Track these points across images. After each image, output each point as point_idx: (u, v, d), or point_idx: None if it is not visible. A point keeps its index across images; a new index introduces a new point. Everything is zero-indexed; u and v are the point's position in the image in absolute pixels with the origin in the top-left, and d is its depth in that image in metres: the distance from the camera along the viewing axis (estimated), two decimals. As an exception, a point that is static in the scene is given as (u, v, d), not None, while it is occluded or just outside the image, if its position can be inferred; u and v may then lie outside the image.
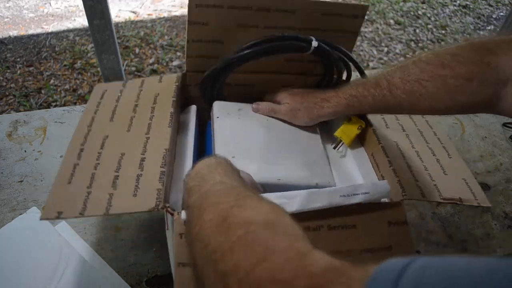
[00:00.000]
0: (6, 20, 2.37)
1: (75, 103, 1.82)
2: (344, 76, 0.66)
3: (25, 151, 0.72)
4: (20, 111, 1.51)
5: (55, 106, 1.79)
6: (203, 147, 0.62)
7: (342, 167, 0.58)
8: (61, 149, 0.73)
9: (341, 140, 0.59)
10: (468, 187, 0.52)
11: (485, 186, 0.75)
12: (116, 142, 0.49)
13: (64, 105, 1.80)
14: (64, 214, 0.40)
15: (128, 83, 0.61)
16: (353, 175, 0.57)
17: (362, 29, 2.58)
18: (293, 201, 0.41)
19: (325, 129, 0.63)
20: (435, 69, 0.45)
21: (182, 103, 0.63)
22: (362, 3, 2.89)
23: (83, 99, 1.84)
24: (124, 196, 0.42)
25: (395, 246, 0.42)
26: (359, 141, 0.60)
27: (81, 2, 1.34)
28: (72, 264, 0.55)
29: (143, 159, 0.46)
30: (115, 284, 0.54)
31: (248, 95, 0.63)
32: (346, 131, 0.58)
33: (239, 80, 0.63)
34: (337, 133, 0.58)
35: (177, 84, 0.59)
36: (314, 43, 0.55)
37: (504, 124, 0.88)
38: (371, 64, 2.25)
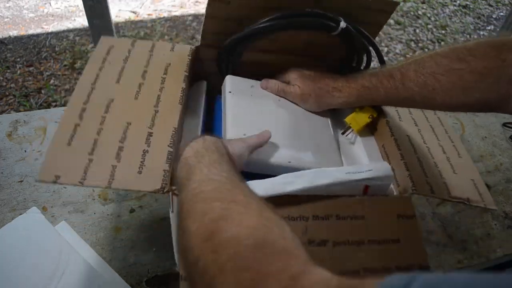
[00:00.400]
0: (6, 20, 2.37)
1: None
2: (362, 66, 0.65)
3: (25, 151, 0.72)
4: (20, 111, 1.50)
5: (55, 106, 1.79)
6: (211, 122, 0.60)
7: (351, 155, 0.58)
8: (61, 149, 0.73)
9: (350, 127, 0.58)
10: (476, 188, 0.51)
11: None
12: (122, 108, 0.46)
13: (64, 105, 1.80)
14: (62, 179, 0.38)
15: (138, 43, 0.56)
16: (362, 163, 0.56)
17: (362, 29, 2.58)
18: (302, 179, 0.40)
19: (334, 113, 0.62)
20: (451, 63, 0.44)
21: (191, 77, 0.59)
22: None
23: (83, 99, 1.84)
24: (128, 171, 0.40)
25: (404, 239, 0.42)
26: (370, 130, 0.59)
27: (81, 2, 1.34)
28: (72, 264, 0.55)
29: (150, 134, 0.43)
30: (115, 284, 0.54)
31: (261, 74, 0.61)
32: (357, 119, 0.57)
33: (253, 57, 0.60)
34: (347, 119, 0.57)
35: (189, 57, 0.56)
36: (342, 24, 0.53)
37: (504, 124, 0.88)
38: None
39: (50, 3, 2.55)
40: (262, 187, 0.40)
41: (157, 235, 0.61)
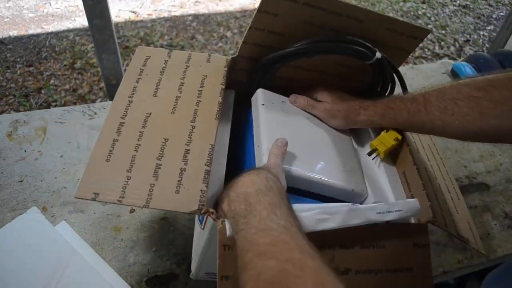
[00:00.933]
0: (6, 20, 2.37)
1: (75, 103, 1.82)
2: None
3: (25, 151, 0.72)
4: (20, 111, 1.50)
5: (55, 106, 1.79)
6: (240, 133, 0.59)
7: (373, 179, 0.58)
8: (61, 149, 0.73)
9: (376, 149, 0.57)
10: (471, 231, 0.54)
11: (485, 186, 0.75)
12: (160, 123, 0.46)
13: (64, 105, 1.80)
14: (101, 197, 0.38)
15: (174, 53, 0.56)
16: (383, 188, 0.56)
17: (362, 29, 2.58)
18: (335, 217, 0.41)
19: (355, 137, 0.63)
20: (471, 91, 0.47)
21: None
22: (361, 3, 2.88)
23: (83, 99, 1.84)
24: (166, 190, 0.40)
25: (416, 268, 0.43)
26: (390, 157, 0.59)
27: (81, 2, 1.34)
28: (72, 264, 0.55)
29: (187, 151, 0.43)
30: (115, 284, 0.54)
31: (289, 88, 0.62)
32: (383, 141, 0.57)
33: (284, 73, 0.60)
34: (374, 142, 0.57)
35: (226, 69, 0.55)
36: (378, 55, 0.55)
37: (504, 124, 0.88)
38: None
39: (50, 3, 2.55)
40: None
41: (157, 235, 0.61)
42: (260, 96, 0.59)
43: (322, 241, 0.40)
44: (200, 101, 0.49)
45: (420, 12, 2.73)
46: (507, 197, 0.74)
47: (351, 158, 0.57)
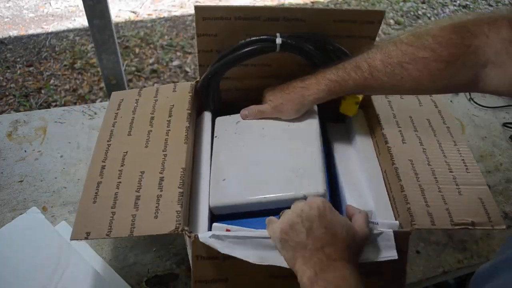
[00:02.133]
0: (6, 20, 2.37)
1: (75, 103, 1.82)
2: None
3: (25, 151, 0.72)
4: (20, 111, 1.51)
5: (55, 106, 1.79)
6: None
7: (356, 185, 0.57)
8: (61, 149, 0.73)
9: (346, 115, 0.61)
10: (484, 207, 0.50)
11: (485, 186, 0.75)
12: (136, 159, 0.51)
13: (64, 105, 1.80)
14: (92, 235, 0.44)
15: (144, 91, 0.61)
16: (363, 192, 0.56)
17: (362, 29, 2.57)
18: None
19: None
20: (416, 51, 0.45)
21: (197, 110, 0.63)
22: (361, 3, 2.88)
23: (83, 99, 1.84)
24: (146, 217, 0.45)
25: (386, 274, 0.44)
26: (374, 154, 0.59)
27: (81, 2, 1.34)
28: (72, 264, 0.55)
29: (161, 179, 0.48)
30: (115, 284, 0.54)
31: (250, 99, 0.62)
32: (346, 108, 0.60)
33: (238, 85, 0.64)
34: (341, 110, 0.61)
35: (191, 94, 0.59)
36: (278, 40, 0.55)
37: (504, 124, 0.88)
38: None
39: (50, 3, 2.55)
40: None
41: (157, 235, 0.61)
42: (216, 127, 0.62)
43: None
44: (169, 130, 0.54)
45: (420, 12, 2.73)
46: (507, 197, 0.74)
47: (310, 158, 0.54)
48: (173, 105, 0.58)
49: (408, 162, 0.54)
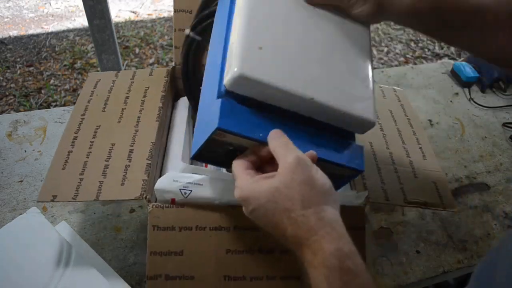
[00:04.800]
0: (6, 20, 2.37)
1: (75, 103, 1.82)
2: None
3: (25, 151, 0.72)
4: (20, 111, 1.50)
5: (55, 106, 1.79)
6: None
7: None
8: (61, 149, 0.73)
9: None
10: (437, 190, 0.52)
11: (485, 186, 0.75)
12: (108, 132, 0.53)
13: (64, 105, 1.80)
14: (58, 198, 0.45)
15: (121, 73, 0.63)
16: None
17: (362, 29, 2.57)
18: None
19: None
20: None
21: (174, 95, 0.66)
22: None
23: (83, 99, 1.84)
24: (113, 184, 0.47)
25: None
26: None
27: (81, 2, 1.34)
28: (72, 264, 0.55)
29: (131, 151, 0.51)
30: (115, 284, 0.54)
31: None
32: None
33: None
34: None
35: (166, 78, 0.61)
36: None
37: (504, 124, 0.88)
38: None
39: (50, 3, 2.55)
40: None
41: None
42: None
43: (246, 220, 0.39)
44: (142, 108, 0.56)
45: (420, 12, 2.73)
46: (507, 197, 0.74)
47: (362, 79, 0.44)
48: (148, 87, 0.60)
49: (368, 144, 0.57)
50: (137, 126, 0.54)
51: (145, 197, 0.45)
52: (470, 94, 0.94)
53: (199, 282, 0.44)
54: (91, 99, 0.59)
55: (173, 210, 0.45)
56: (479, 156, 0.81)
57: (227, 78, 0.37)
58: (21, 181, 0.67)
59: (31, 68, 2.01)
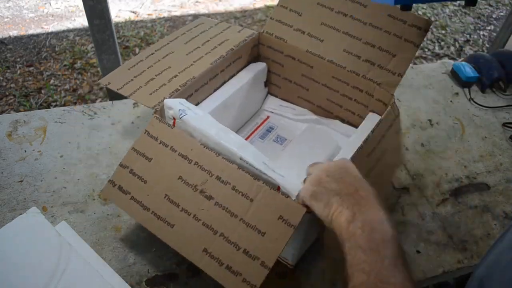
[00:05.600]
0: (6, 20, 2.37)
1: (75, 103, 1.82)
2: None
3: (25, 151, 0.72)
4: (20, 111, 1.50)
5: (55, 106, 1.79)
6: None
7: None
8: (61, 149, 0.73)
9: None
10: None
11: (485, 186, 0.75)
12: (174, 59, 0.65)
13: (64, 105, 1.80)
14: (111, 85, 0.59)
15: (219, 24, 0.74)
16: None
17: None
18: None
19: None
20: None
21: (252, 58, 0.74)
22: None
23: (83, 99, 1.84)
24: (145, 92, 0.59)
25: (269, 236, 0.45)
26: None
27: (81, 2, 1.34)
28: (72, 264, 0.55)
29: (175, 76, 0.62)
30: (115, 284, 0.54)
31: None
32: None
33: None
34: None
35: (247, 38, 0.69)
36: None
37: (504, 124, 0.88)
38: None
39: (50, 3, 2.55)
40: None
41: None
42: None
43: (207, 163, 0.50)
44: (209, 52, 0.66)
45: (420, 12, 2.73)
46: (507, 197, 0.74)
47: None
48: (228, 39, 0.69)
49: None
50: (195, 62, 0.64)
51: (154, 108, 0.56)
52: (470, 94, 0.94)
53: (147, 189, 0.52)
54: (185, 33, 0.71)
55: (167, 128, 0.54)
56: (479, 156, 0.81)
57: None
58: (21, 181, 0.67)
59: (31, 68, 2.01)
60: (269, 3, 2.63)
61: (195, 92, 0.63)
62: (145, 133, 0.54)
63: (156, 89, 0.59)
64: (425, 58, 2.29)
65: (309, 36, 0.66)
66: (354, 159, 0.49)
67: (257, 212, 0.46)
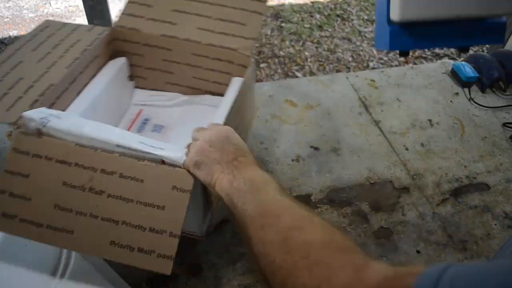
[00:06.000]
0: (6, 20, 2.37)
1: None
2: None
3: (25, 151, 0.72)
4: (20, 111, 1.50)
5: (55, 106, 1.79)
6: None
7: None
8: (61, 149, 0.73)
9: None
10: None
11: (485, 186, 0.75)
12: (24, 68, 0.61)
13: (64, 105, 1.79)
14: None
15: (67, 25, 0.70)
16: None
17: (362, 28, 2.57)
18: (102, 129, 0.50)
19: None
20: None
21: (110, 55, 0.72)
22: (361, 3, 2.87)
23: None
24: (3, 108, 0.55)
25: (168, 208, 0.46)
26: None
27: (81, 2, 1.34)
28: (72, 264, 0.55)
29: (31, 86, 0.58)
30: (115, 284, 0.54)
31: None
32: None
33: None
34: None
35: (99, 36, 0.67)
36: None
37: (504, 124, 0.88)
38: (371, 64, 2.25)
39: (50, 3, 2.55)
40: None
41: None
42: None
43: (87, 161, 0.49)
44: (63, 56, 0.63)
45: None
46: (507, 197, 0.74)
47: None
48: (80, 39, 0.67)
49: None
50: (49, 68, 0.61)
51: (17, 123, 0.53)
52: (470, 94, 0.94)
53: (34, 205, 0.49)
54: (30, 40, 0.66)
55: (35, 139, 0.52)
56: (479, 156, 0.81)
57: None
58: (21, 181, 0.67)
59: (31, 68, 2.01)
60: (269, 3, 2.63)
61: (57, 99, 0.60)
62: (13, 151, 0.52)
63: (12, 104, 0.55)
64: (425, 58, 2.29)
65: (162, 22, 0.68)
66: (226, 124, 0.52)
67: (151, 190, 0.47)
